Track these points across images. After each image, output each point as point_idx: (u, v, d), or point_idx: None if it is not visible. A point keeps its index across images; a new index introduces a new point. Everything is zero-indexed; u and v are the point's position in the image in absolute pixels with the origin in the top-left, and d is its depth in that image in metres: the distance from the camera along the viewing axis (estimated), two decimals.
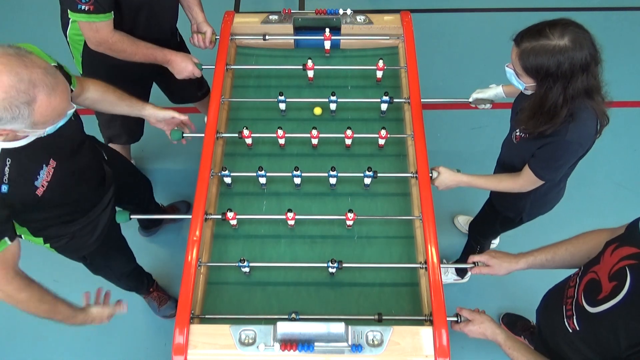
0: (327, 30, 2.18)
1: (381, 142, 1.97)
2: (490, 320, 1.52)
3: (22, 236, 1.67)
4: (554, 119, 1.52)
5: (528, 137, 1.65)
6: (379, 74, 2.15)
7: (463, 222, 2.83)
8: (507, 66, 1.58)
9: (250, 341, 1.50)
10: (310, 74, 2.16)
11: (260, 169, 1.84)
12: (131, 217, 1.84)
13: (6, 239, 1.41)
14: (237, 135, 1.94)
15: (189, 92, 2.62)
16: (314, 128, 1.92)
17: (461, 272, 2.65)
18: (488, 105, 2.08)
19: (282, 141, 1.98)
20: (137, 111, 1.90)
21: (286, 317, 1.58)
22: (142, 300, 2.59)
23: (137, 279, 2.42)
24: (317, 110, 2.10)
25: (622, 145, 3.16)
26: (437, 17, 3.90)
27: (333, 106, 2.06)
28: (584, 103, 1.51)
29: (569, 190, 2.00)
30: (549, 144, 1.59)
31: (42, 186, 1.45)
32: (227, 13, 2.29)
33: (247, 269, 1.72)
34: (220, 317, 1.62)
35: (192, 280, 1.61)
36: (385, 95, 2.01)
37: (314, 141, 1.96)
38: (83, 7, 1.78)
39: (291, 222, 1.80)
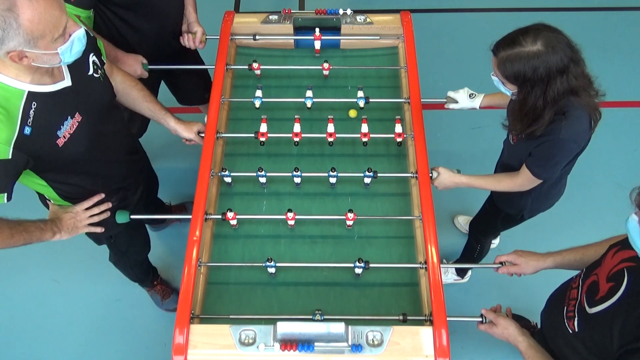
0: (317, 30, 2.19)
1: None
2: (515, 326, 1.51)
3: (52, 201, 1.69)
4: (538, 121, 1.54)
5: (524, 138, 1.66)
6: (325, 72, 2.17)
7: (463, 222, 2.83)
8: (492, 75, 1.61)
9: (250, 341, 1.50)
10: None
11: (261, 169, 1.84)
12: (131, 217, 1.84)
13: (5, 195, 1.38)
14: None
15: (196, 94, 2.61)
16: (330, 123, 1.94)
17: (461, 272, 2.65)
18: (457, 106, 2.07)
19: (297, 138, 1.97)
20: (157, 118, 1.90)
21: (286, 317, 1.59)
22: (142, 301, 2.59)
23: (146, 270, 2.47)
24: (352, 113, 2.09)
25: (622, 145, 3.16)
26: (437, 17, 3.90)
27: (309, 103, 2.06)
28: (573, 101, 1.52)
29: (569, 190, 2.00)
30: (544, 143, 1.61)
31: (64, 137, 1.44)
32: (227, 13, 2.29)
33: (273, 270, 1.71)
34: (220, 317, 1.62)
35: (192, 280, 1.61)
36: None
37: (330, 139, 1.95)
38: None
39: (291, 222, 1.80)
